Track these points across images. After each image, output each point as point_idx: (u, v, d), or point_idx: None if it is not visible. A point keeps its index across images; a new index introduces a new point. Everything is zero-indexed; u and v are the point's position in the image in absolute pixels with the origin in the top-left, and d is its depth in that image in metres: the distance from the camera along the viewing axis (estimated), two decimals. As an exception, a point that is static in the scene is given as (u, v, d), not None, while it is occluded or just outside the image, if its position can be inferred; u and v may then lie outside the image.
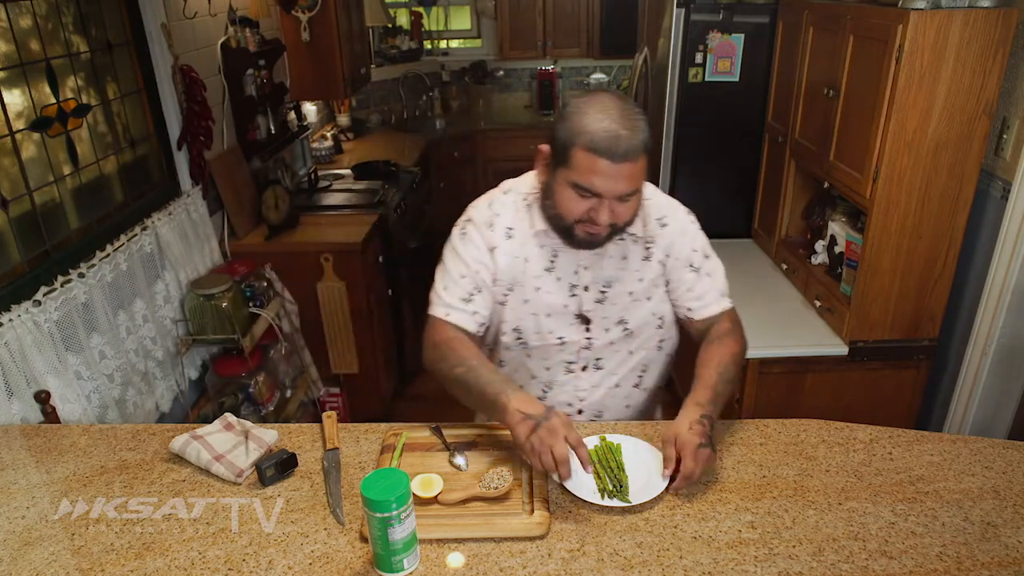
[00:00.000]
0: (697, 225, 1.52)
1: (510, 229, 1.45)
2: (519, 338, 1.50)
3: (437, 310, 1.46)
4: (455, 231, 1.50)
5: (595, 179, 1.26)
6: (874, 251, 2.08)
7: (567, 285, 1.46)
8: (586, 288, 1.46)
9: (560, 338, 1.49)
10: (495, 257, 1.45)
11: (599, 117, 1.25)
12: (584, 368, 1.53)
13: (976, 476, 1.31)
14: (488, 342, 1.58)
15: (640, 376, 1.58)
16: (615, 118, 1.24)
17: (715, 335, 1.48)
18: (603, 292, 1.46)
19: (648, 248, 1.47)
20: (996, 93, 1.89)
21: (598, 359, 1.53)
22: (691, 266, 1.48)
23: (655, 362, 1.59)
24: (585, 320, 1.48)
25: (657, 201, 1.49)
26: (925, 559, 1.13)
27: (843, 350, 2.21)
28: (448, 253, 1.49)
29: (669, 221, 1.48)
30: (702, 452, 1.24)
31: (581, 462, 1.23)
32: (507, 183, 1.52)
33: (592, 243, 1.37)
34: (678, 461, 1.26)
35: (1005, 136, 2.02)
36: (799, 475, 1.32)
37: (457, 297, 1.45)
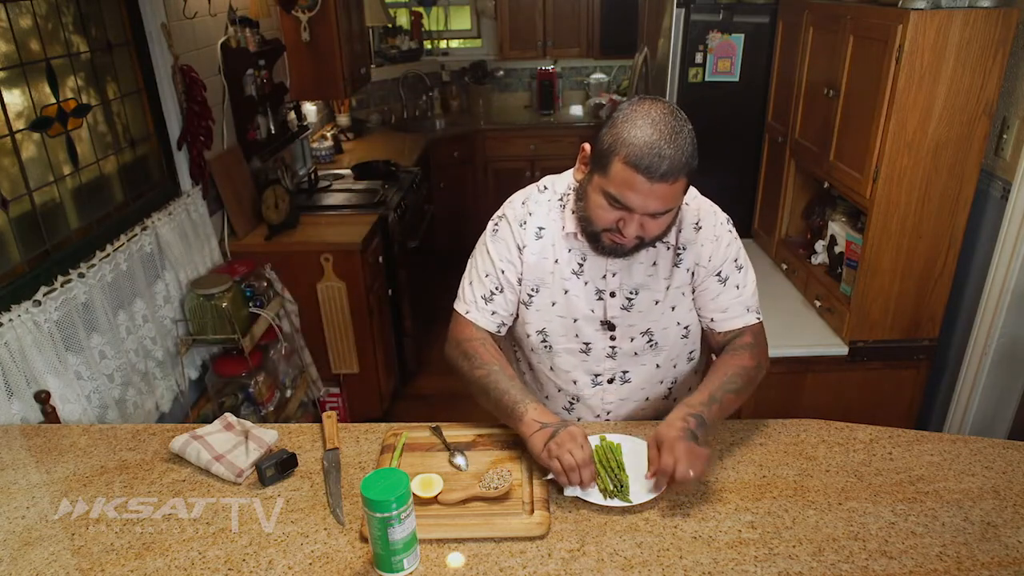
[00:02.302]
0: (734, 233, 1.46)
1: (540, 229, 1.43)
2: (544, 340, 1.48)
3: (459, 305, 1.48)
4: (489, 226, 1.48)
5: (629, 194, 1.21)
6: (874, 251, 2.07)
7: (594, 290, 1.43)
8: (612, 294, 1.43)
9: (586, 343, 1.47)
10: (523, 256, 1.43)
11: (647, 131, 1.18)
12: (611, 381, 1.50)
13: (976, 476, 1.31)
14: (514, 342, 1.56)
15: (669, 389, 1.56)
16: (663, 134, 1.18)
17: (732, 348, 1.45)
18: (629, 299, 1.43)
19: (679, 255, 1.42)
20: (996, 93, 1.89)
21: (625, 371, 1.50)
22: (719, 275, 1.44)
23: (684, 374, 1.55)
24: (610, 327, 1.45)
25: (695, 205, 1.44)
26: (925, 559, 1.13)
27: (843, 350, 2.21)
28: (479, 248, 1.48)
29: (704, 226, 1.42)
30: (681, 445, 1.22)
31: (583, 481, 1.23)
32: (547, 179, 1.48)
33: (617, 252, 1.34)
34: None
35: (1005, 136, 2.02)
36: (799, 475, 1.32)
37: (479, 295, 1.45)
